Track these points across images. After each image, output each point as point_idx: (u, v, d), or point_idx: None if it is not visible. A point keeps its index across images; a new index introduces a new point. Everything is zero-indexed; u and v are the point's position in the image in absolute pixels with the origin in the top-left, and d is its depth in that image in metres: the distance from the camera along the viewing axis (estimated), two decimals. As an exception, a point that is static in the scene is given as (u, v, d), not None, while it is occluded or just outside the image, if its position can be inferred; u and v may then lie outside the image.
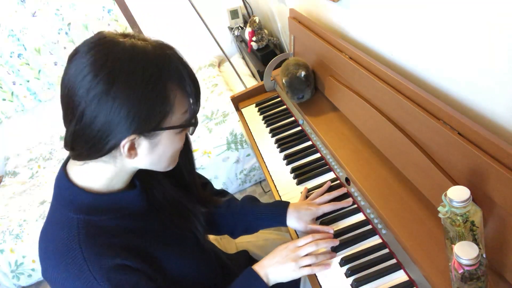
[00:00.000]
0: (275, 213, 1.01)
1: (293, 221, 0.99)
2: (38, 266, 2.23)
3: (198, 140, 2.26)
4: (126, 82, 0.62)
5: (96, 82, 0.61)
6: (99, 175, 0.72)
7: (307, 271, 0.87)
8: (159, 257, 0.78)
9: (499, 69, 0.70)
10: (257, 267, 0.87)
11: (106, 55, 0.63)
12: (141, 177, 0.80)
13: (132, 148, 0.67)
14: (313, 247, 0.89)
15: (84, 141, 0.65)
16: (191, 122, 0.73)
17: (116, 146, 0.66)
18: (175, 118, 0.68)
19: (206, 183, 1.08)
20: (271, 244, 1.20)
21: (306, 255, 0.88)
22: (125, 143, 0.65)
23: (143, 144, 0.68)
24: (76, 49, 0.66)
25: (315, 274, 0.89)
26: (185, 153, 0.84)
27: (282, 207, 1.01)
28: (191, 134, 0.78)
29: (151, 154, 0.70)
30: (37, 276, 2.28)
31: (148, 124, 0.65)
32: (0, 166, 3.11)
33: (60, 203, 0.73)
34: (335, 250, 0.92)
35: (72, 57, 0.65)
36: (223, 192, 1.11)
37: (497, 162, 0.65)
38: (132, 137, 0.65)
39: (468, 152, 0.70)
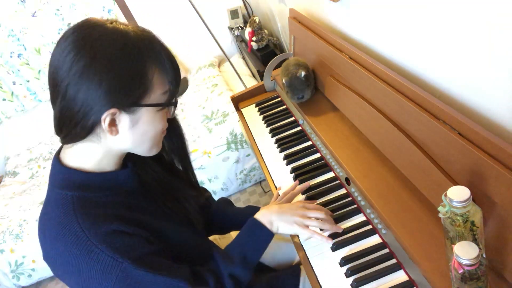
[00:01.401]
0: (245, 218, 1.07)
1: None
2: (38, 266, 2.23)
3: (198, 140, 2.26)
4: (106, 59, 0.66)
5: (78, 58, 0.66)
6: (88, 156, 0.75)
7: (310, 233, 0.90)
8: (156, 228, 0.80)
9: (499, 69, 0.70)
10: (259, 215, 0.91)
11: (88, 35, 0.68)
12: (132, 160, 0.83)
13: (113, 124, 0.70)
14: (321, 214, 0.93)
15: (70, 118, 0.69)
16: (171, 102, 0.76)
17: (97, 120, 0.69)
18: (155, 96, 0.72)
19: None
20: (270, 245, 1.20)
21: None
22: (105, 117, 0.68)
23: (123, 120, 0.71)
24: (63, 33, 0.70)
25: (315, 275, 0.89)
26: (176, 139, 0.90)
27: (251, 213, 1.06)
28: (172, 116, 0.81)
29: (132, 132, 0.72)
30: (37, 276, 2.28)
31: (127, 98, 0.69)
32: (0, 166, 3.11)
33: (54, 185, 0.76)
34: (335, 249, 0.92)
35: (59, 40, 0.70)
36: (202, 189, 1.14)
37: (497, 162, 0.65)
38: (112, 110, 0.68)
39: (468, 152, 0.70)
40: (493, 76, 0.72)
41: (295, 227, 0.90)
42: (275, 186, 1.18)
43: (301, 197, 1.10)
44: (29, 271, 2.23)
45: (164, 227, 0.82)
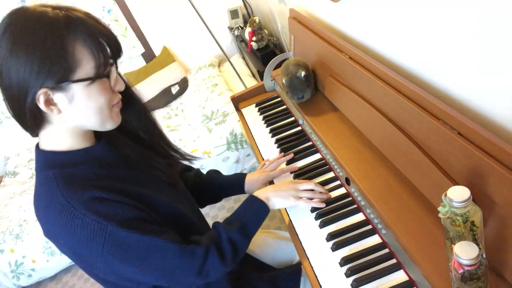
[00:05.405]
0: (235, 182, 1.17)
1: (249, 187, 1.16)
2: (38, 266, 2.23)
3: (198, 140, 2.26)
4: (25, 41, 0.67)
5: (3, 42, 0.68)
6: (57, 138, 0.78)
7: (304, 203, 1.01)
8: (144, 196, 0.82)
9: (499, 69, 0.70)
10: (257, 193, 0.99)
11: (13, 18, 0.69)
12: (105, 135, 0.85)
13: (50, 103, 0.71)
14: (312, 186, 1.04)
15: (14, 103, 0.72)
16: (102, 74, 0.74)
17: (34, 102, 0.70)
18: (85, 71, 0.71)
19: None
20: (270, 243, 1.21)
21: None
22: (38, 97, 0.70)
23: (59, 98, 0.71)
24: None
25: (315, 274, 0.89)
26: (139, 115, 0.91)
27: (240, 177, 1.17)
28: (117, 89, 0.78)
29: (73, 108, 0.73)
30: (37, 276, 2.28)
31: (52, 77, 0.69)
32: (0, 166, 3.11)
33: (38, 169, 0.80)
34: (335, 249, 0.92)
35: None
36: (190, 168, 1.19)
37: (497, 162, 0.65)
38: (43, 90, 0.69)
39: (468, 152, 0.70)
40: (493, 76, 0.72)
41: (291, 200, 0.99)
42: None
43: (289, 176, 1.16)
44: (29, 271, 2.23)
45: (153, 195, 0.84)
